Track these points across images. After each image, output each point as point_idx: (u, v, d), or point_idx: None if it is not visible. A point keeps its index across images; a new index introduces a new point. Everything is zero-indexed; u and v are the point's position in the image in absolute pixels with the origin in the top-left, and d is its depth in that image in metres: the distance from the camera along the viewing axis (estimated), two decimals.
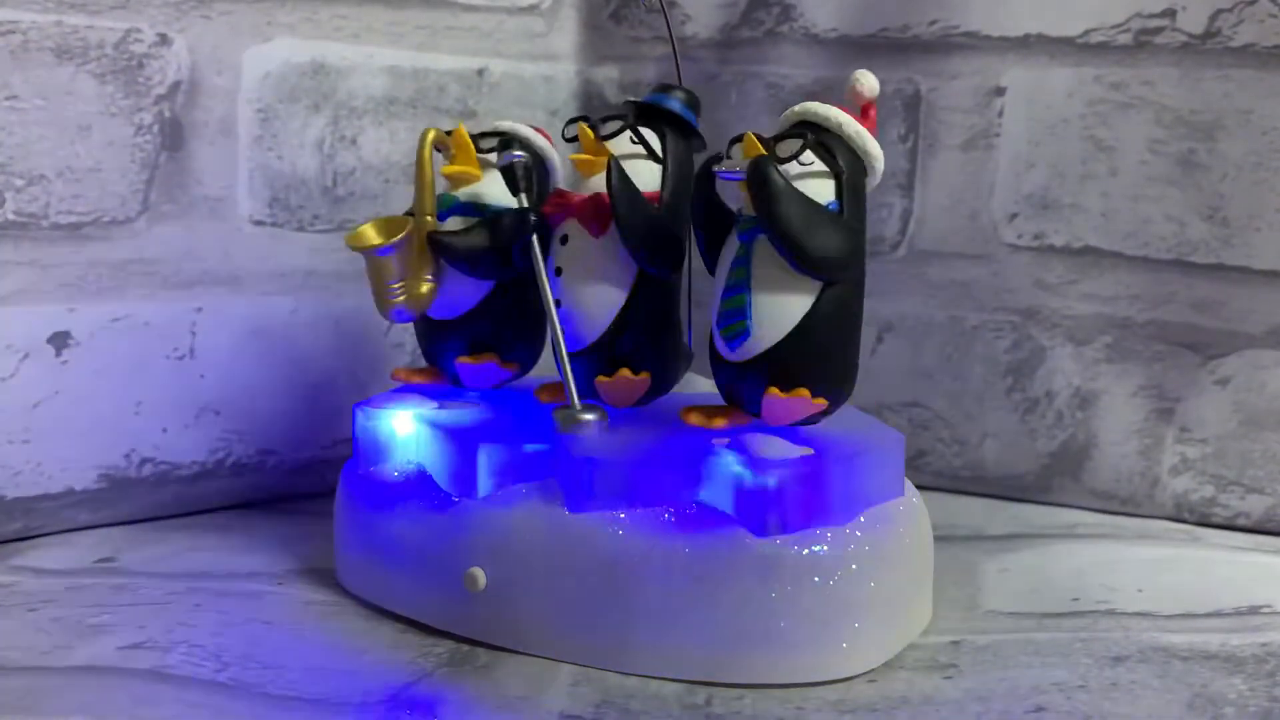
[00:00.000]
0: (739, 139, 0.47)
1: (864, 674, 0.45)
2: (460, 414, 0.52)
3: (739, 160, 0.46)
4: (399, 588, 0.49)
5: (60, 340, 0.59)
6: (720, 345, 0.47)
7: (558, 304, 0.50)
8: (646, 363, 0.51)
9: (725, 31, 0.72)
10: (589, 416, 0.48)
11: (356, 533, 0.52)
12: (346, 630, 0.49)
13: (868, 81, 0.47)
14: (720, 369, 0.48)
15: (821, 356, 0.46)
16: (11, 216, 0.58)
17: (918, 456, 0.69)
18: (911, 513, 0.49)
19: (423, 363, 0.58)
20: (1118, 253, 0.65)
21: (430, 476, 0.50)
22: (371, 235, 0.52)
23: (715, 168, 0.47)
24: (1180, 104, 0.63)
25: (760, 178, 0.45)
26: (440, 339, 0.55)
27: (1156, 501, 0.65)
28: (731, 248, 0.47)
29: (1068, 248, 0.66)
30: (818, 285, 0.46)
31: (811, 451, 0.45)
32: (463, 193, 0.53)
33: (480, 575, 0.47)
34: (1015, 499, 0.67)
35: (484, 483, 0.48)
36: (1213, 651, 0.48)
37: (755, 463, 0.44)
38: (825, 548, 0.44)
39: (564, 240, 0.50)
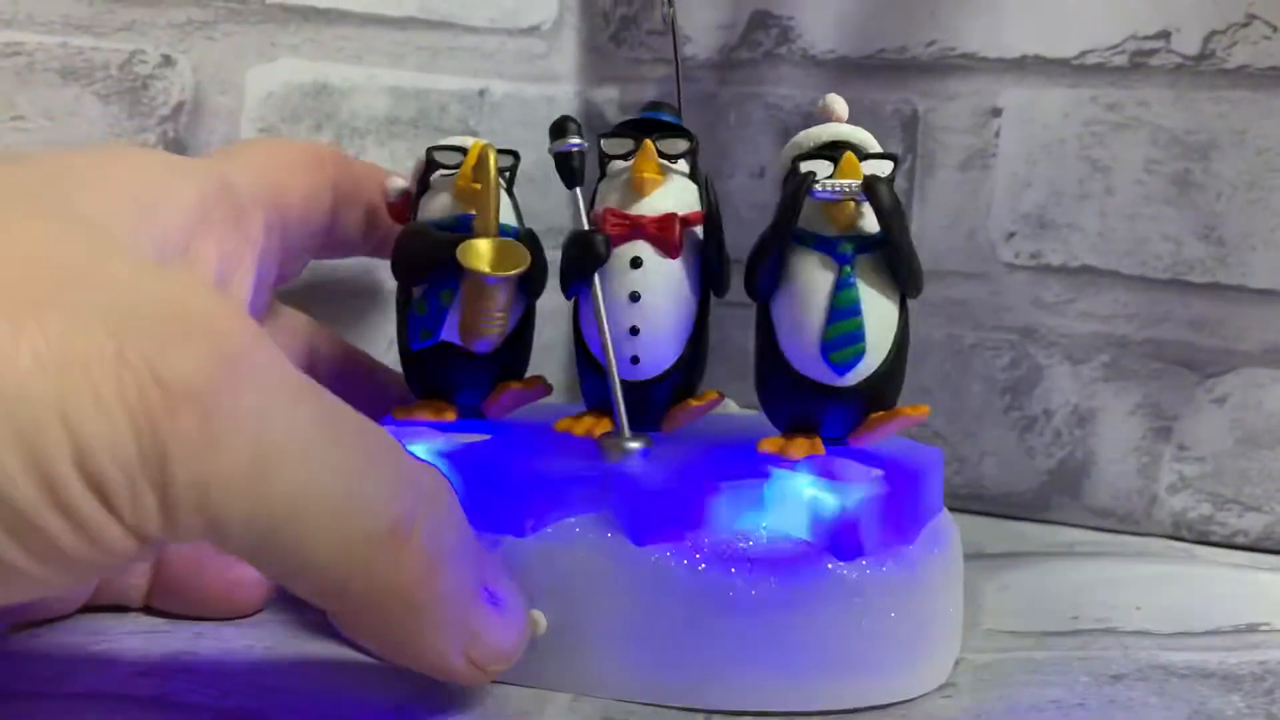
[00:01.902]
0: (819, 157, 0.47)
1: (937, 689, 0.45)
2: (481, 447, 0.48)
3: (835, 180, 0.46)
4: None
5: None
6: (822, 370, 0.46)
7: (634, 331, 0.48)
8: (700, 385, 0.51)
9: (724, 53, 0.73)
10: (635, 445, 0.47)
11: None
12: (350, 651, 0.49)
13: (839, 106, 0.49)
14: (808, 395, 0.47)
15: (904, 372, 0.48)
16: None
17: None
18: (949, 527, 0.49)
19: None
20: (1114, 272, 0.65)
21: None
22: (484, 257, 0.49)
23: (814, 187, 0.46)
24: (1175, 124, 0.63)
25: (889, 198, 0.46)
26: (474, 369, 0.51)
27: (1154, 519, 0.65)
28: (819, 270, 0.46)
29: (1065, 267, 0.66)
30: (899, 302, 0.47)
31: (882, 472, 0.45)
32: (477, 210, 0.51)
33: (541, 619, 0.44)
34: (1014, 517, 0.68)
35: (531, 520, 0.45)
36: (1211, 669, 0.48)
37: (837, 485, 0.44)
38: (902, 567, 0.44)
39: (636, 263, 0.48)
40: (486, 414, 0.52)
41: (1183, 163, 0.63)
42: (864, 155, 0.47)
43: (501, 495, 0.45)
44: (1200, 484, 0.64)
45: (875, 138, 0.46)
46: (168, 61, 0.61)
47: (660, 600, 0.43)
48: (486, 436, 0.49)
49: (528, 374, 0.54)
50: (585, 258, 0.48)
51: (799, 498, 0.45)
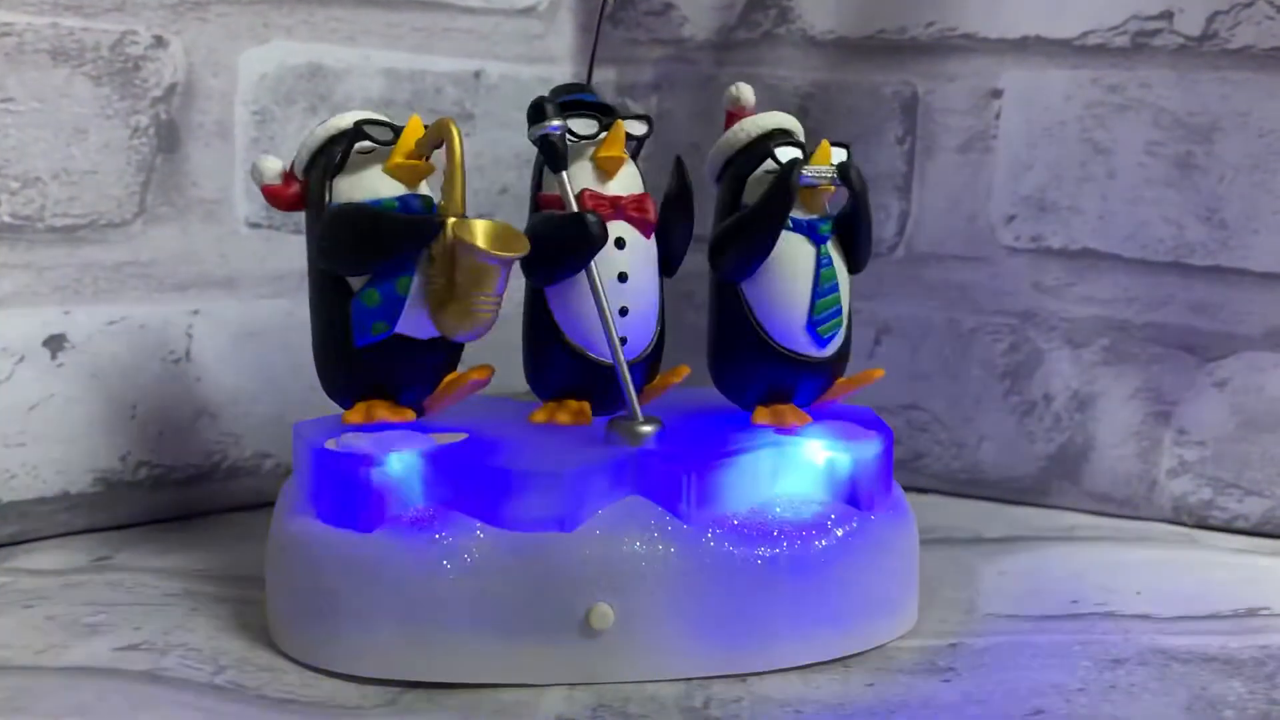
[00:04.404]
0: (759, 146, 0.50)
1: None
2: (480, 446, 0.47)
3: (815, 166, 0.49)
4: (481, 651, 0.44)
5: (56, 343, 0.59)
6: (807, 343, 0.49)
7: (624, 311, 0.48)
8: (659, 363, 0.51)
9: (722, 33, 0.72)
10: (649, 428, 0.47)
11: (397, 605, 0.44)
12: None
13: (746, 93, 0.52)
14: (787, 367, 0.50)
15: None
16: (7, 219, 0.58)
17: (915, 459, 0.69)
18: None
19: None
20: (1115, 255, 0.64)
21: (471, 520, 0.44)
22: (482, 236, 0.45)
23: (804, 172, 0.49)
24: (1178, 106, 0.63)
25: (862, 181, 0.49)
26: (426, 363, 0.48)
27: (1155, 504, 0.65)
28: (801, 250, 0.49)
29: (1065, 250, 0.66)
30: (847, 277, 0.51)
31: (876, 432, 0.49)
32: (422, 189, 0.48)
33: (609, 612, 0.43)
34: (1013, 502, 0.67)
35: (574, 512, 0.44)
36: (1211, 654, 0.47)
37: (849, 446, 0.48)
38: (899, 512, 0.49)
39: (620, 244, 0.48)
40: (429, 410, 0.49)
41: (1185, 145, 0.63)
42: (798, 142, 0.50)
43: (540, 491, 0.44)
44: (1200, 468, 0.64)
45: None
46: (160, 43, 0.61)
47: (717, 574, 0.45)
48: (464, 435, 0.47)
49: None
50: (585, 241, 0.46)
51: (813, 461, 0.48)
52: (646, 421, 0.47)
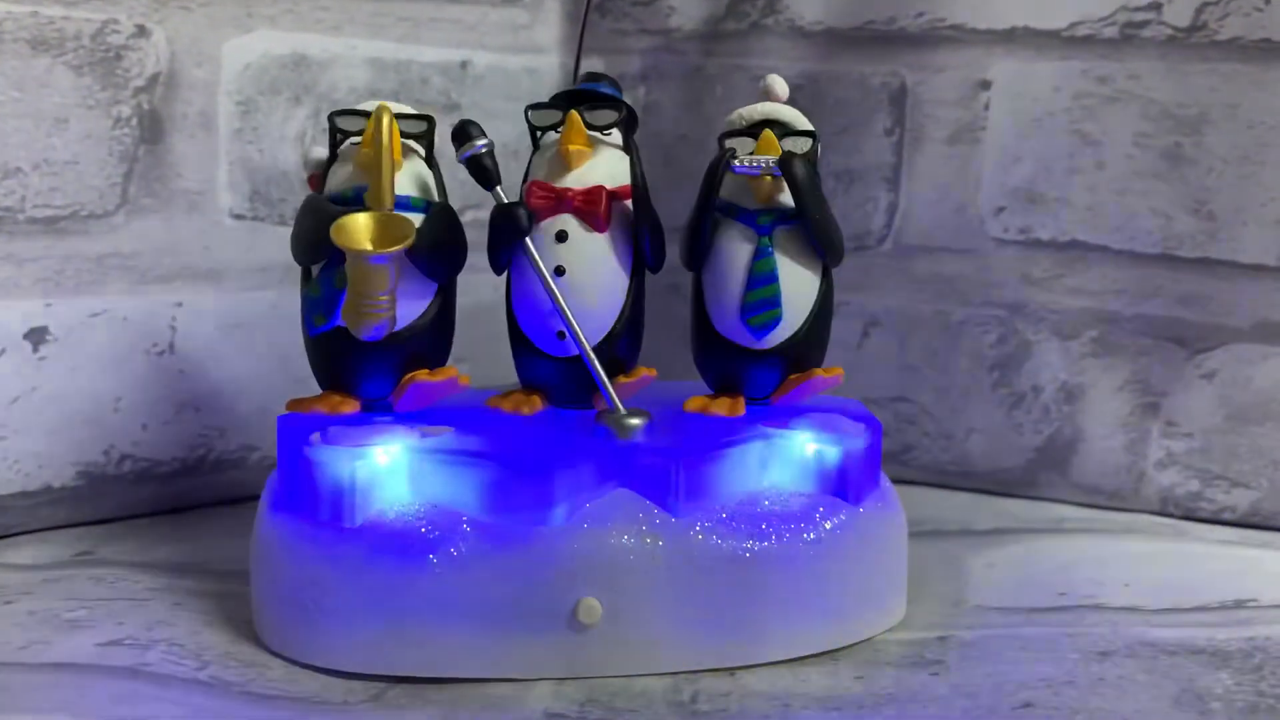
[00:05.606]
0: (742, 134, 0.49)
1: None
2: (466, 439, 0.46)
3: (754, 155, 0.48)
4: (468, 646, 0.43)
5: (38, 336, 0.59)
6: (742, 334, 0.49)
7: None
8: (636, 360, 0.51)
9: (710, 24, 0.72)
10: (638, 420, 0.46)
11: (382, 600, 0.44)
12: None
13: (779, 86, 0.51)
14: (731, 357, 0.50)
15: (826, 337, 0.51)
16: None
17: (904, 451, 0.69)
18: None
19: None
20: (1104, 247, 0.64)
21: (457, 514, 0.44)
22: (364, 233, 0.44)
23: (735, 162, 0.48)
24: (1166, 97, 0.62)
25: (802, 173, 0.48)
26: (377, 358, 0.47)
27: (1143, 496, 0.65)
28: (740, 241, 0.49)
29: (1054, 242, 0.65)
30: (820, 271, 0.50)
31: (864, 425, 0.49)
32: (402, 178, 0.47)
33: (597, 606, 0.43)
34: (1001, 494, 0.67)
35: (563, 507, 0.44)
36: (1199, 646, 0.47)
37: (836, 439, 0.48)
38: (888, 505, 0.49)
39: (561, 237, 0.48)
40: (395, 408, 0.48)
41: (1173, 136, 0.62)
42: (787, 133, 0.50)
43: (527, 485, 0.44)
44: (1188, 460, 0.64)
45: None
46: (142, 32, 0.60)
47: (705, 568, 0.44)
48: (449, 429, 0.47)
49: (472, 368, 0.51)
50: (506, 230, 0.48)
51: (801, 454, 0.48)
52: (635, 414, 0.47)
